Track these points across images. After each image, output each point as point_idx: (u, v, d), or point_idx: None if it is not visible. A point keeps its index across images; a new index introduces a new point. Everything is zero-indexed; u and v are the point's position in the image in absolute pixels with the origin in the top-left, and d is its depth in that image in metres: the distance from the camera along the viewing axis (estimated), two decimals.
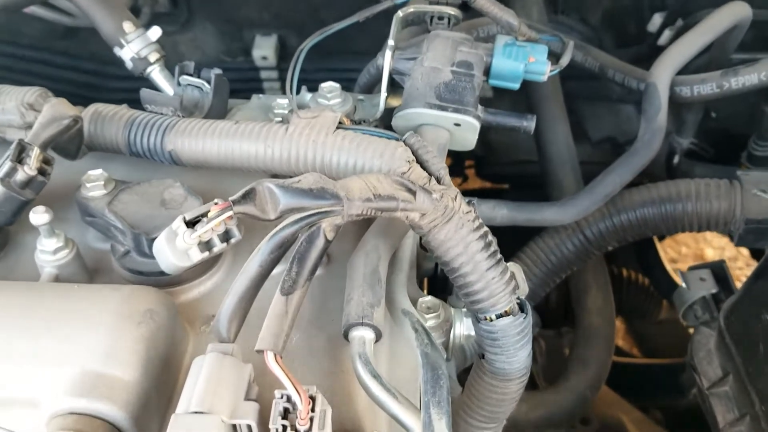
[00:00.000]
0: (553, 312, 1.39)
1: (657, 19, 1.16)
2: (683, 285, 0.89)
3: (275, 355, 0.49)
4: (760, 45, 1.12)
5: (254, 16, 1.31)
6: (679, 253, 2.22)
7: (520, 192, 1.57)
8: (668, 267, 1.53)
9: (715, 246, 2.23)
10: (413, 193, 0.55)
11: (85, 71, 1.39)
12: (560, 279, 1.02)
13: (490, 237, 0.58)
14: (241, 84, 1.35)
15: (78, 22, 1.20)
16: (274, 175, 0.70)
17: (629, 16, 1.25)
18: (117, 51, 0.78)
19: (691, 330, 0.92)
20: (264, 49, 1.31)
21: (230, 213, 0.53)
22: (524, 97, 1.11)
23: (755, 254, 1.74)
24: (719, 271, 0.90)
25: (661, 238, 1.79)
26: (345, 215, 0.53)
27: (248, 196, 0.54)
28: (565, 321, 1.37)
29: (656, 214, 0.92)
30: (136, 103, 1.07)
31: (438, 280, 0.76)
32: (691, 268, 0.93)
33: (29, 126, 0.69)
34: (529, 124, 0.71)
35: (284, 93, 1.35)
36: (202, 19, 1.33)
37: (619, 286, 1.57)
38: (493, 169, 1.51)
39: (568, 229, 0.96)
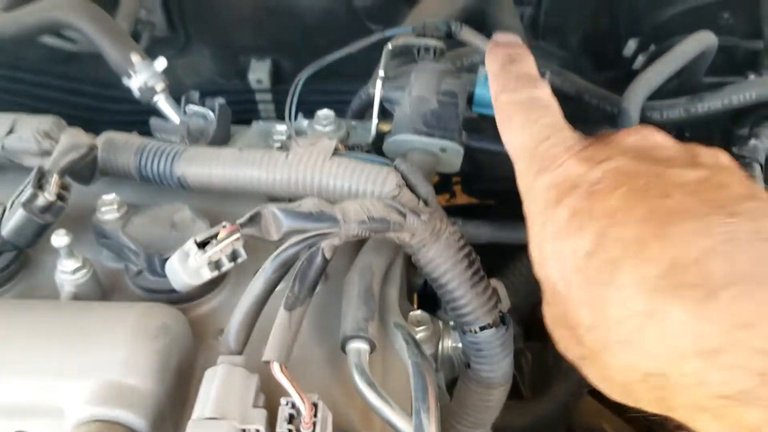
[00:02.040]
0: (540, 325, 1.44)
1: (632, 45, 1.22)
2: None
3: (280, 365, 0.54)
4: (730, 69, 1.19)
5: (249, 41, 1.36)
6: None
7: (505, 207, 1.62)
8: None
9: None
10: (404, 215, 0.60)
11: (85, 94, 1.43)
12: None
13: (474, 255, 0.64)
14: (237, 105, 1.40)
15: (80, 47, 1.25)
16: (273, 198, 0.75)
17: (606, 41, 1.31)
18: (125, 81, 0.83)
19: None
20: (259, 73, 1.36)
21: (238, 235, 0.58)
22: None
23: None
24: None
25: None
26: (342, 236, 0.58)
27: (254, 220, 0.59)
28: None
29: None
30: (134, 125, 1.12)
31: (427, 296, 0.81)
32: None
33: (44, 153, 0.74)
34: None
35: (278, 115, 1.41)
36: (199, 43, 1.38)
37: None
38: (479, 185, 1.56)
39: None
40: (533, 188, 0.55)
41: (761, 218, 0.45)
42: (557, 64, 1.21)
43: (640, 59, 1.19)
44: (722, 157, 0.53)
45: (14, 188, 0.69)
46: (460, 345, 0.71)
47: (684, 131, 1.25)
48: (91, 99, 1.43)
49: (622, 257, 0.46)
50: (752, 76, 1.12)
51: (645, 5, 1.21)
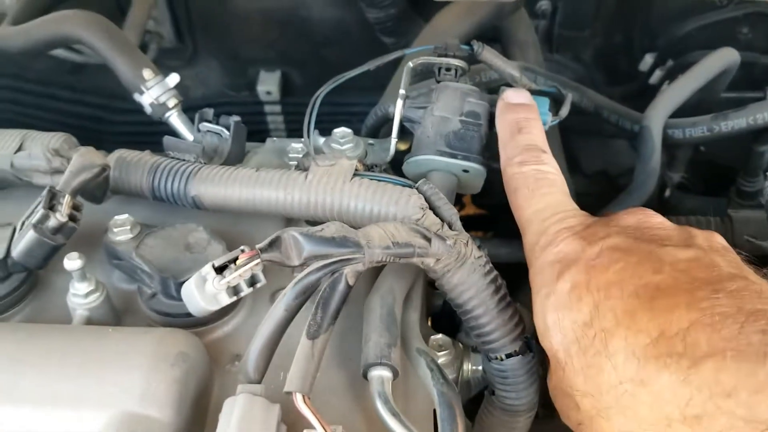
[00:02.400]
0: None
1: (648, 60, 1.21)
2: None
3: (303, 396, 0.52)
4: (748, 84, 1.18)
5: (259, 53, 1.34)
6: None
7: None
8: None
9: None
10: (428, 239, 0.58)
11: (90, 105, 1.42)
12: None
13: (500, 280, 0.62)
14: (247, 117, 1.38)
15: (87, 58, 1.24)
16: (291, 220, 0.73)
17: (620, 54, 1.30)
18: (137, 97, 0.81)
19: None
20: (268, 85, 1.34)
21: (258, 261, 0.56)
22: None
23: None
24: None
25: None
26: (366, 262, 0.56)
27: (274, 244, 0.57)
28: None
29: None
30: (142, 136, 1.09)
31: (443, 318, 0.79)
32: None
33: (55, 171, 0.72)
34: None
35: (287, 127, 1.40)
36: (207, 54, 1.37)
37: None
38: (489, 198, 1.55)
39: None
40: (538, 262, 0.59)
41: (744, 296, 0.47)
42: (571, 78, 1.19)
43: (657, 74, 1.18)
44: (716, 240, 0.56)
45: (23, 207, 0.67)
46: (480, 368, 0.69)
47: (699, 146, 1.23)
48: (98, 110, 1.41)
49: (614, 327, 0.49)
50: None
51: (661, 20, 1.20)
